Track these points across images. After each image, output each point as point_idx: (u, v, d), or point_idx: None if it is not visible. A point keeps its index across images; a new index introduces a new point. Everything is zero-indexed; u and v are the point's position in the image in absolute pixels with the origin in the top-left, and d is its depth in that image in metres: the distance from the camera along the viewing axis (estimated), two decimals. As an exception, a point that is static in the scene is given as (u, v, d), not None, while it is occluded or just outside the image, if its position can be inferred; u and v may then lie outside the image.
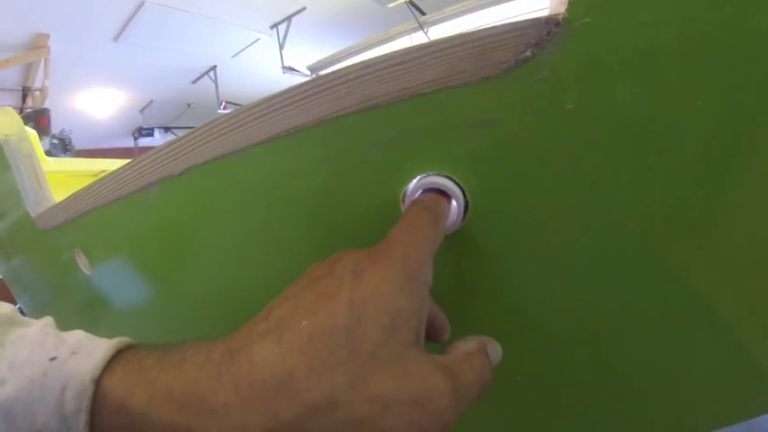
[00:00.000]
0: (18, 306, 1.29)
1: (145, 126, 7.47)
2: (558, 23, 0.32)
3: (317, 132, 0.42)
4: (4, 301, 0.38)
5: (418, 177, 0.39)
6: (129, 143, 7.94)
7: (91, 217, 0.70)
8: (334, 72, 0.39)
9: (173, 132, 7.82)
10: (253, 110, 0.44)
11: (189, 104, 7.67)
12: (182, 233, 0.61)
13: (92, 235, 0.76)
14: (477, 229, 0.42)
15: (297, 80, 5.62)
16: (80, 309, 1.00)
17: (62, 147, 5.61)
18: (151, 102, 7.31)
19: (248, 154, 0.47)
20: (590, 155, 0.37)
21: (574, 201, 0.39)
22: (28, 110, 4.89)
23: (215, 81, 6.76)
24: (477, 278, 0.45)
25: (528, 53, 0.34)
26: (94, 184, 0.67)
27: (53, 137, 5.06)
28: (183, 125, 7.74)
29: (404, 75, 0.37)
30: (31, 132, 1.22)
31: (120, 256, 0.74)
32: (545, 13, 0.33)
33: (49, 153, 3.71)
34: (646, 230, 0.41)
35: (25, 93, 4.89)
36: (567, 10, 0.32)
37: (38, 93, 5.00)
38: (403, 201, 0.41)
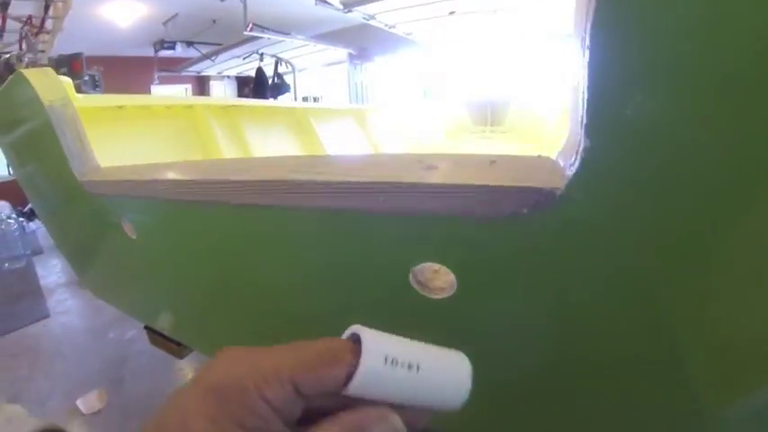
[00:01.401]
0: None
1: (167, 39, 7.42)
2: (553, 195, 0.42)
3: (350, 216, 0.53)
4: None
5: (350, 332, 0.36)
6: (150, 53, 7.91)
7: (145, 204, 0.80)
8: (382, 183, 0.50)
9: (195, 47, 7.76)
10: (314, 186, 0.55)
11: (214, 21, 7.56)
12: (230, 257, 0.74)
13: (143, 217, 0.86)
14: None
15: (328, 13, 5.56)
16: (116, 258, 1.11)
17: (92, 83, 5.81)
18: (176, 15, 7.21)
19: (298, 213, 0.57)
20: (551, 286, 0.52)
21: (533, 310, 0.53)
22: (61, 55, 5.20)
23: (244, 1, 6.67)
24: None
25: (524, 210, 0.45)
26: (152, 176, 0.77)
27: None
28: (206, 41, 7.68)
29: (430, 199, 0.46)
30: (67, 81, 1.27)
31: (166, 245, 0.85)
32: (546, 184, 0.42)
33: (78, 89, 3.84)
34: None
35: (48, 2, 4.82)
36: (565, 186, 0.41)
37: (60, 3, 4.93)
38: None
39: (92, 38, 6.75)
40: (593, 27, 0.35)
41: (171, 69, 8.44)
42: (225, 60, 8.48)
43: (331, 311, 0.67)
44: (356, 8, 5.85)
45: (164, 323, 1.26)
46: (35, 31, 5.13)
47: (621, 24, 0.35)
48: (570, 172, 0.42)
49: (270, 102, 3.83)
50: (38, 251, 5.09)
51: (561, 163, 0.46)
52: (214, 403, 0.31)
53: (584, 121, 0.41)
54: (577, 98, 0.41)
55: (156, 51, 7.59)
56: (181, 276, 1.00)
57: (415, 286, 0.57)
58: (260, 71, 8.34)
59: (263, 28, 6.42)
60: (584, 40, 0.36)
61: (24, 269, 4.13)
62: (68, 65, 4.92)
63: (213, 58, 7.86)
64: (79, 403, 2.22)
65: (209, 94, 10.08)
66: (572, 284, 0.50)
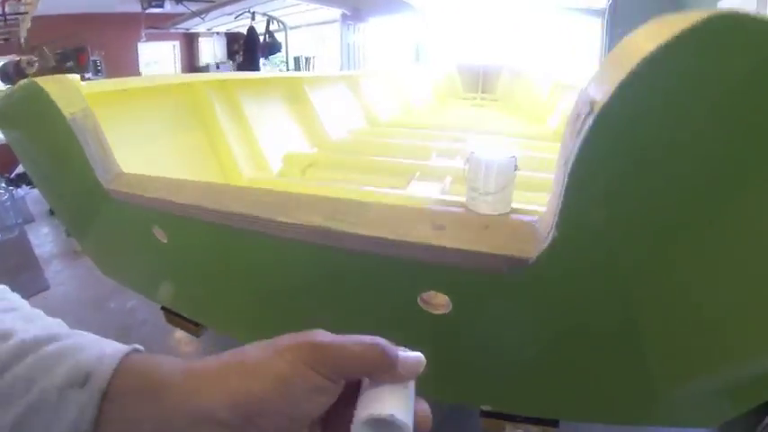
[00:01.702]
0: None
1: (155, -5, 7.29)
2: (525, 262, 0.61)
3: (374, 258, 0.63)
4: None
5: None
6: (136, 8, 7.74)
7: (177, 220, 0.86)
8: (402, 242, 0.69)
9: (183, 4, 7.63)
10: (347, 235, 0.73)
11: (204, -24, 7.43)
12: (261, 276, 0.83)
13: (175, 229, 0.92)
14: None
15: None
16: (144, 254, 1.17)
17: (94, 69, 6.17)
18: (164, -30, 7.08)
19: (330, 252, 0.68)
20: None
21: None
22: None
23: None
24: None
25: (504, 269, 0.63)
26: (183, 197, 0.83)
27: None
28: (195, -2, 7.56)
29: (438, 254, 0.67)
30: (74, 78, 1.29)
31: (198, 252, 0.92)
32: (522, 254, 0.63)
33: (82, 76, 3.86)
34: None
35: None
36: (536, 257, 0.60)
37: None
38: None
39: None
40: (568, 178, 0.52)
41: (159, 26, 8.28)
42: (215, 18, 8.34)
43: (352, 321, 0.79)
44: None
45: (187, 308, 1.34)
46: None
47: (588, 185, 0.54)
48: (542, 246, 0.59)
49: (265, 73, 3.82)
50: (29, 219, 4.96)
51: (539, 232, 0.64)
52: (296, 345, 0.37)
53: (556, 220, 0.57)
54: (561, 178, 0.55)
55: (144, 9, 7.43)
56: (210, 276, 1.07)
57: (421, 304, 0.74)
58: (251, 30, 8.23)
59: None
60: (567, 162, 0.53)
61: (18, 239, 4.22)
62: (74, 58, 4.97)
63: (203, 15, 7.73)
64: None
65: (197, 52, 9.93)
66: (542, 319, 0.72)
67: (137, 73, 8.77)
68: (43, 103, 1.04)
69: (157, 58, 9.54)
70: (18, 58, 1.28)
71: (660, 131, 0.48)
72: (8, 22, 6.02)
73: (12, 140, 1.32)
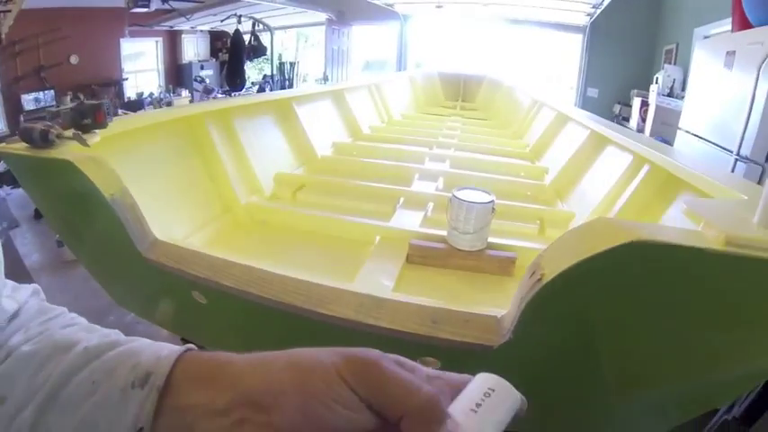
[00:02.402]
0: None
1: (141, -5, 7.31)
2: (490, 348, 0.91)
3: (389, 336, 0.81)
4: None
5: None
6: (119, 3, 7.69)
7: (217, 293, 1.01)
8: (414, 334, 0.95)
9: (169, 4, 7.66)
10: (370, 326, 0.98)
11: (189, -23, 7.47)
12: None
13: (214, 296, 1.07)
14: None
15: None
16: (179, 308, 1.32)
17: (112, 111, 6.23)
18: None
19: (358, 334, 0.85)
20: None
21: None
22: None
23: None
24: None
25: (477, 349, 0.92)
26: (216, 275, 0.98)
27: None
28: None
29: (436, 342, 0.95)
30: (93, 140, 1.42)
31: (236, 313, 1.08)
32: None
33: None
34: None
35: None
36: (498, 345, 0.90)
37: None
38: None
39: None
40: (521, 312, 0.85)
41: (142, 24, 8.29)
42: (200, 17, 8.38)
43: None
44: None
45: (214, 346, 1.50)
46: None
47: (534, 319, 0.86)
48: (502, 339, 0.89)
49: (256, 96, 3.92)
50: (13, 224, 4.67)
51: (502, 327, 0.92)
52: (350, 353, 0.38)
53: (512, 328, 0.87)
54: (516, 304, 0.87)
55: (129, 7, 7.44)
56: (243, 329, 1.26)
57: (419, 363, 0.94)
58: (237, 33, 8.28)
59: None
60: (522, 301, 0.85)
61: (4, 247, 3.89)
62: (92, 115, 5.02)
63: (189, 16, 7.77)
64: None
65: (180, 50, 9.94)
66: (508, 374, 0.91)
67: (118, 68, 8.78)
68: (83, 183, 1.18)
69: (139, 53, 9.53)
70: (42, 126, 1.36)
71: (582, 307, 0.83)
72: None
73: (38, 201, 1.44)
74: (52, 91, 7.60)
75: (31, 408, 0.40)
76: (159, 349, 0.42)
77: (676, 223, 1.63)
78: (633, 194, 2.02)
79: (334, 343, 0.98)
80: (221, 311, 1.26)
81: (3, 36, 6.71)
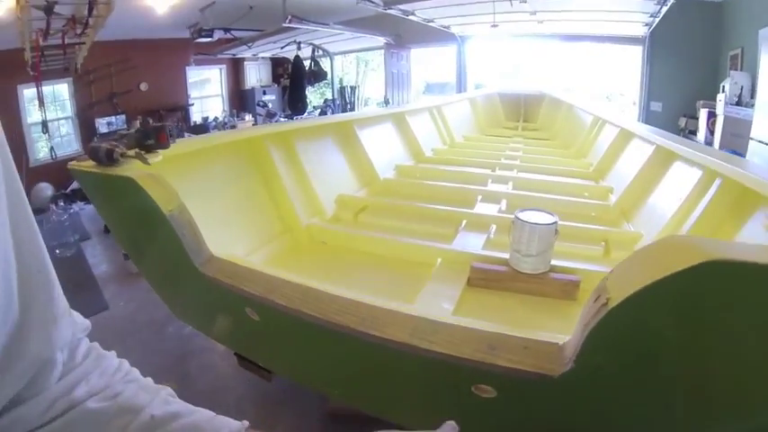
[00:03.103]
0: None
1: (204, 27, 7.58)
2: (551, 378, 0.83)
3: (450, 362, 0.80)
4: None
5: None
6: (185, 34, 8.05)
7: (269, 310, 1.02)
8: (471, 360, 0.89)
9: (231, 33, 7.92)
10: (423, 350, 0.92)
11: (251, 7, 7.69)
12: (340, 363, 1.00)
13: (267, 313, 1.08)
14: None
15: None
16: (232, 320, 1.34)
17: (176, 133, 6.82)
18: (213, 2, 7.37)
19: (415, 359, 0.83)
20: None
21: None
22: (144, 124, 5.82)
23: (281, -11, 6.79)
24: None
25: (536, 379, 0.84)
26: (271, 293, 0.99)
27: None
28: (242, 26, 7.83)
29: (491, 368, 0.88)
30: (155, 159, 1.48)
31: (286, 332, 1.09)
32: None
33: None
34: None
35: (91, 4, 4.93)
36: (558, 374, 0.82)
37: (102, 5, 5.00)
38: None
39: (129, 24, 6.94)
40: (584, 339, 0.77)
41: (206, 52, 8.61)
42: (261, 45, 8.63)
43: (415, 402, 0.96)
44: (396, 6, 5.96)
45: (264, 360, 1.54)
46: (78, 31, 5.32)
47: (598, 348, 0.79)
48: (564, 369, 0.81)
49: (317, 119, 4.00)
50: (85, 236, 5.00)
51: (564, 355, 0.84)
52: None
53: (574, 357, 0.79)
54: (580, 332, 0.80)
55: (194, 39, 7.75)
56: (292, 346, 1.26)
57: (474, 391, 0.93)
58: (297, 59, 8.48)
59: (301, 19, 6.56)
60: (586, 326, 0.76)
61: (76, 257, 4.30)
62: (155, 137, 5.40)
63: (250, 44, 8.01)
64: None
65: (243, 76, 10.26)
66: (567, 409, 0.92)
67: (184, 95, 9.21)
68: (143, 199, 1.23)
69: (205, 80, 9.95)
70: (110, 146, 1.45)
71: (653, 335, 0.74)
72: (66, 52, 6.39)
73: (104, 215, 1.50)
74: (123, 115, 8.21)
75: None
76: (220, 427, 0.48)
77: (755, 240, 1.54)
78: (705, 211, 1.90)
79: (387, 366, 0.96)
80: (274, 329, 1.26)
81: (78, 66, 7.16)
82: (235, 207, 2.09)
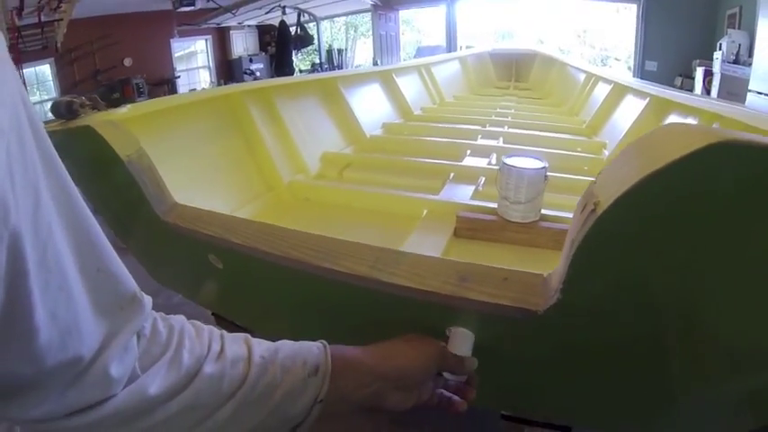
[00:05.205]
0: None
1: (186, -6, 7.42)
2: (535, 313, 0.71)
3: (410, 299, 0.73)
4: None
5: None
6: (168, 6, 7.90)
7: (229, 253, 0.94)
8: (435, 293, 0.78)
9: (214, 1, 7.75)
10: (384, 284, 0.82)
11: (234, -28, 7.53)
12: (306, 303, 0.90)
13: (228, 257, 1.00)
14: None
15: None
16: (199, 273, 1.26)
17: (137, 91, 6.79)
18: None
19: (370, 292, 0.73)
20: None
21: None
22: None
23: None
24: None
25: (518, 316, 0.72)
26: (232, 235, 0.91)
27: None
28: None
29: (463, 304, 0.76)
30: (123, 113, 1.39)
31: (252, 277, 1.00)
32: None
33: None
34: None
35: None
36: (544, 310, 0.70)
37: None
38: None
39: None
40: (572, 259, 0.61)
41: (190, 23, 8.43)
42: (246, 12, 8.45)
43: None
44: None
45: (237, 317, 1.49)
46: (54, 6, 5.20)
47: (587, 268, 0.63)
48: (550, 302, 0.69)
49: (300, 76, 3.88)
50: None
51: (549, 287, 0.72)
52: (435, 345, 0.72)
53: (561, 286, 0.66)
54: (567, 253, 0.64)
55: (176, 8, 7.57)
56: (261, 295, 1.18)
57: (447, 334, 0.81)
58: (282, 24, 8.30)
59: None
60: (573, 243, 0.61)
61: None
62: (120, 90, 5.29)
63: (234, 11, 7.84)
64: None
65: (230, 46, 10.07)
66: (554, 349, 0.81)
67: (170, 67, 9.04)
68: (98, 145, 1.14)
69: (192, 54, 9.76)
70: (70, 99, 1.37)
71: (654, 250, 0.58)
72: (44, 31, 6.27)
73: (74, 178, 1.42)
74: (109, 92, 7.87)
75: (231, 404, 0.53)
76: (310, 348, 0.63)
77: None
78: None
79: (353, 307, 0.87)
80: (239, 278, 1.18)
81: (59, 44, 7.00)
82: (213, 166, 1.99)
